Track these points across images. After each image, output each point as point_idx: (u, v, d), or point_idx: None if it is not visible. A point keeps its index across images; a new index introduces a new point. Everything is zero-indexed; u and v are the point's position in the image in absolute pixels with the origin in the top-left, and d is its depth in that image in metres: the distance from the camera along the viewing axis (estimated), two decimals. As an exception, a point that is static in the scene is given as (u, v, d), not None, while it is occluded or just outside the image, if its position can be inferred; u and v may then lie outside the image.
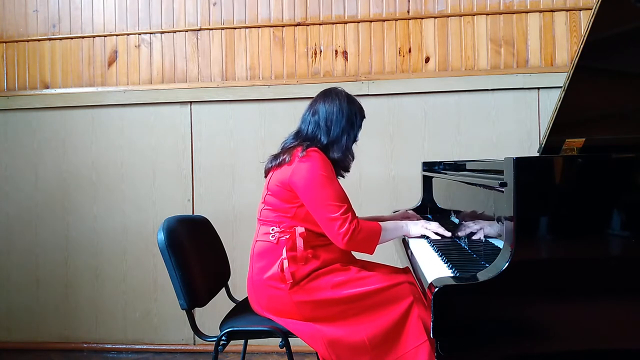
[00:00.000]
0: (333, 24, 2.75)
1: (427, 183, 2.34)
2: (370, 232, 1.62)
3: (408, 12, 2.71)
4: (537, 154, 1.36)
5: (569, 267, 1.07)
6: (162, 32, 2.86)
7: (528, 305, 1.07)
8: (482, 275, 1.08)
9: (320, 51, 2.76)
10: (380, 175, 2.69)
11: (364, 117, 1.78)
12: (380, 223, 1.68)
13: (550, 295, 1.07)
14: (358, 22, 2.73)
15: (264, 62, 2.80)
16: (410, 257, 1.56)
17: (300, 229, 1.61)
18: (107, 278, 2.86)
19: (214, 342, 1.63)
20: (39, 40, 2.95)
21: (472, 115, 2.64)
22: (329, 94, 1.75)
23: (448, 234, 1.72)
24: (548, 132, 1.33)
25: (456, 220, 1.83)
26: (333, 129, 1.69)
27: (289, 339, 1.62)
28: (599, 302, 1.08)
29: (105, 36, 2.90)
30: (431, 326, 1.05)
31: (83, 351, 2.85)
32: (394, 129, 2.69)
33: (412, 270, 1.49)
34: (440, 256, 1.46)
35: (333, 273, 1.60)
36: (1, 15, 2.98)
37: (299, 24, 2.77)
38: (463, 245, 1.60)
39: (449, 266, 1.33)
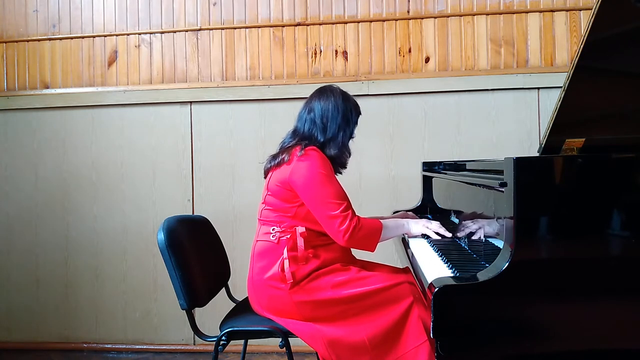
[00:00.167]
0: (333, 24, 2.75)
1: (427, 183, 2.34)
2: (371, 230, 1.62)
3: (408, 12, 2.71)
4: (537, 154, 1.36)
5: (569, 267, 1.07)
6: (162, 32, 2.86)
7: (528, 305, 1.07)
8: (482, 275, 1.08)
9: (320, 51, 2.76)
10: (380, 175, 2.69)
11: (360, 113, 1.79)
12: (381, 220, 1.68)
13: (550, 295, 1.07)
14: (358, 22, 2.73)
15: (264, 62, 2.80)
16: (410, 257, 1.56)
17: (300, 229, 1.62)
18: (107, 278, 2.86)
19: (214, 342, 1.63)
20: (39, 40, 2.95)
21: (472, 115, 2.64)
22: (324, 92, 1.76)
23: (449, 234, 1.72)
24: (548, 132, 1.33)
25: (456, 220, 1.83)
26: (329, 126, 1.70)
27: (289, 339, 1.62)
28: (599, 302, 1.08)
29: (105, 36, 2.90)
30: (431, 326, 1.05)
31: (83, 351, 2.85)
32: (394, 129, 2.69)
33: (412, 270, 1.49)
34: (440, 256, 1.46)
35: (333, 273, 1.61)
36: (1, 15, 2.98)
37: (299, 24, 2.77)
38: (463, 245, 1.61)
39: (449, 266, 1.33)
